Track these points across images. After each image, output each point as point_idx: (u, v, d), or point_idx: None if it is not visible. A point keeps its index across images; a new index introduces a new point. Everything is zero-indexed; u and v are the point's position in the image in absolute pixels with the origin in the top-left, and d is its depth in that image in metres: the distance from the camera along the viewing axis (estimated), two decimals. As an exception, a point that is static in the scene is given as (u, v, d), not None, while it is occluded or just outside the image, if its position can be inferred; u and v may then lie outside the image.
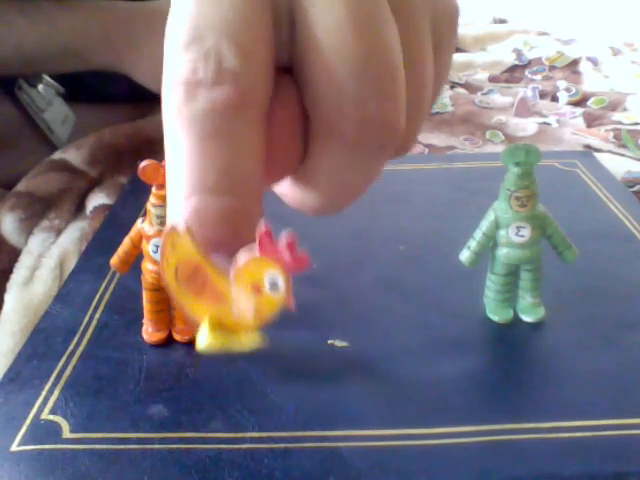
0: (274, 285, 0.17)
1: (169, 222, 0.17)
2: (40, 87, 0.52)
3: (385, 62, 0.17)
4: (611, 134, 0.57)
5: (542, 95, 0.68)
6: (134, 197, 0.44)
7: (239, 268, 0.17)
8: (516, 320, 0.31)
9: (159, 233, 0.28)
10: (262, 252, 0.17)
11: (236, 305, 0.18)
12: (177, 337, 0.31)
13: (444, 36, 0.20)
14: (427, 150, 0.55)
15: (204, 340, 0.18)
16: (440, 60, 0.20)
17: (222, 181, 0.16)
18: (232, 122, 0.16)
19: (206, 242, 0.17)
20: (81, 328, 0.32)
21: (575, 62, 0.77)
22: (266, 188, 0.19)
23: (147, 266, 0.29)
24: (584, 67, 0.76)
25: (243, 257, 0.17)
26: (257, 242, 0.16)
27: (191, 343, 0.30)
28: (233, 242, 0.17)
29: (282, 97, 0.17)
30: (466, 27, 0.90)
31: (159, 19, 0.57)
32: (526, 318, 0.31)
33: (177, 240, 0.17)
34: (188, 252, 0.17)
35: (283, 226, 0.17)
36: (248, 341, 0.18)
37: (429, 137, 0.57)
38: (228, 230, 0.17)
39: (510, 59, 0.80)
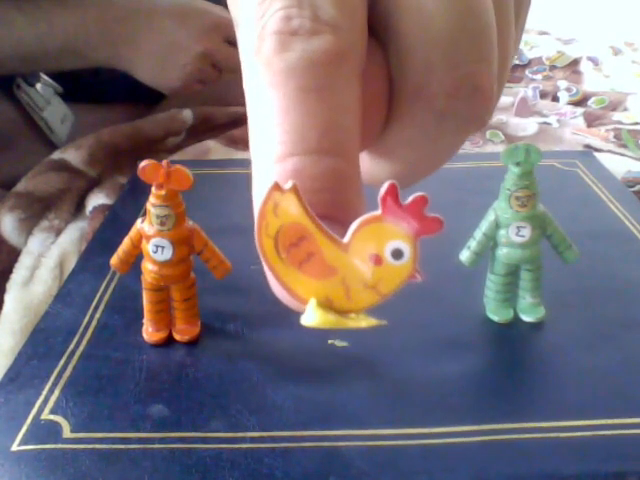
0: (398, 254, 0.15)
1: (259, 188, 0.15)
2: (38, 86, 0.52)
3: (481, 22, 0.16)
4: (611, 134, 0.57)
5: (542, 95, 0.68)
6: (134, 197, 0.44)
7: (358, 233, 0.14)
8: (516, 320, 0.31)
9: (159, 233, 0.28)
10: (386, 213, 0.14)
11: (351, 276, 0.15)
12: (177, 337, 0.31)
13: (523, 2, 0.19)
14: (427, 150, 0.55)
15: (311, 317, 0.15)
16: (519, 26, 0.19)
17: (324, 140, 0.15)
18: (332, 76, 0.15)
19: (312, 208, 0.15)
20: (81, 328, 0.32)
21: (576, 62, 0.77)
22: None
23: (147, 266, 0.29)
24: (585, 67, 0.76)
25: (362, 220, 0.14)
26: (380, 201, 0.14)
27: (191, 343, 0.30)
28: (338, 209, 0.15)
29: (371, 60, 0.16)
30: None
31: (158, 16, 0.58)
32: (526, 318, 0.31)
33: (281, 202, 0.14)
34: (293, 216, 0.14)
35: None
36: (361, 319, 0.15)
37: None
38: (333, 194, 0.15)
39: (510, 59, 0.79)
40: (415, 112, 0.16)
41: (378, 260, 0.15)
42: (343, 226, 0.15)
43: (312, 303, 0.15)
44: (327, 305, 0.15)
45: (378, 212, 0.14)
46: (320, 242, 0.15)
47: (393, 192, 0.14)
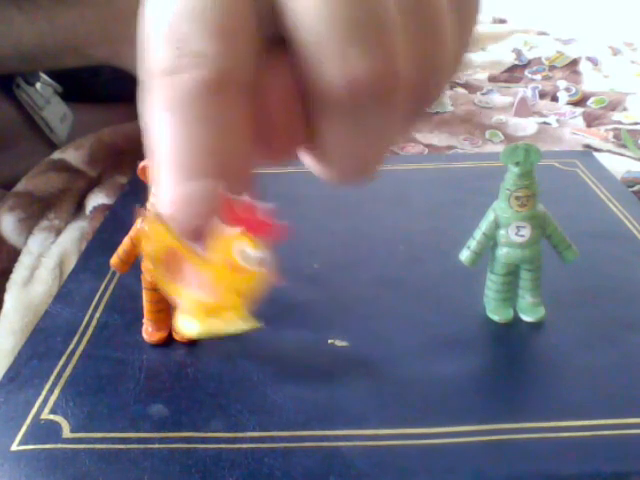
0: (247, 257, 0.16)
1: (154, 211, 0.16)
2: (38, 85, 0.52)
3: (361, 9, 0.16)
4: (611, 134, 0.57)
5: (542, 95, 0.68)
6: (134, 197, 0.44)
7: (213, 247, 0.16)
8: (516, 320, 0.31)
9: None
10: (237, 225, 0.16)
11: (221, 285, 0.16)
12: (177, 337, 0.31)
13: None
14: (427, 150, 0.55)
15: (188, 328, 0.17)
16: (463, 18, 0.19)
17: (206, 165, 0.16)
18: (212, 103, 0.16)
19: (192, 228, 0.16)
20: (81, 328, 0.32)
21: (575, 62, 0.77)
22: (277, 163, 0.19)
23: (147, 266, 0.29)
24: (584, 67, 0.76)
25: (212, 234, 0.16)
26: (230, 216, 0.16)
27: (191, 343, 0.30)
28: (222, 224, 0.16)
29: (274, 69, 0.17)
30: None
31: None
32: (526, 318, 0.31)
33: (153, 228, 0.16)
34: (167, 241, 0.16)
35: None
36: (239, 324, 0.17)
37: (429, 137, 0.57)
38: (212, 212, 0.16)
39: (510, 59, 0.80)
40: (329, 116, 0.17)
41: (238, 268, 0.16)
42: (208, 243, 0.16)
43: (188, 315, 0.17)
44: (207, 317, 0.17)
45: (223, 225, 0.16)
46: (189, 259, 0.16)
47: (228, 205, 0.15)
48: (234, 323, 0.17)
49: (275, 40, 0.17)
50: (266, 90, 0.17)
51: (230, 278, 0.16)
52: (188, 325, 0.17)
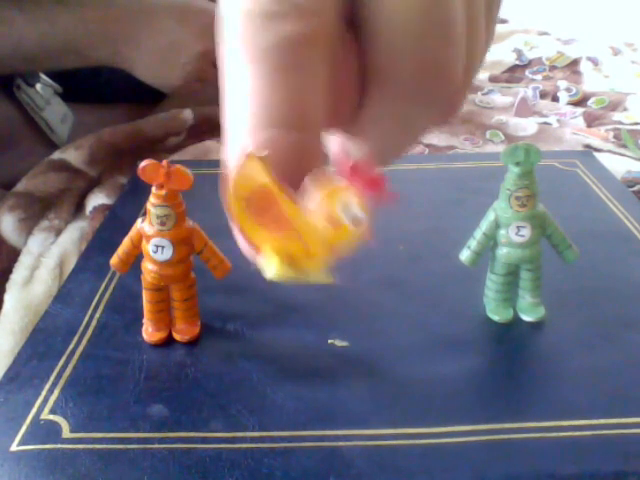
0: (355, 218, 0.16)
1: (235, 154, 0.16)
2: (38, 86, 0.52)
3: (447, 9, 0.17)
4: (611, 134, 0.57)
5: (542, 95, 0.68)
6: (134, 197, 0.44)
7: (316, 197, 0.16)
8: (516, 320, 0.31)
9: (159, 233, 0.28)
10: (351, 181, 0.16)
11: (310, 235, 0.16)
12: (177, 337, 0.31)
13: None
14: (427, 150, 0.55)
15: (274, 269, 0.16)
16: (490, 18, 0.20)
17: (294, 116, 0.16)
18: (304, 56, 0.16)
19: (288, 173, 0.16)
20: (81, 328, 0.32)
21: (575, 62, 0.77)
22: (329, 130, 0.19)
23: (147, 266, 0.29)
24: (584, 67, 0.76)
25: (321, 186, 0.16)
26: (348, 171, 0.16)
27: (191, 343, 0.30)
28: (299, 180, 0.16)
29: (346, 44, 0.17)
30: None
31: (158, 15, 0.58)
32: (526, 318, 0.31)
33: (251, 169, 0.16)
34: (262, 181, 0.16)
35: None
36: (317, 275, 0.17)
37: (429, 137, 0.57)
38: (298, 165, 0.16)
39: (510, 59, 0.79)
40: (386, 93, 0.17)
41: (336, 222, 0.16)
42: (304, 192, 0.16)
43: (275, 259, 0.17)
44: (288, 262, 0.17)
45: (339, 181, 0.16)
46: (284, 205, 0.16)
47: (360, 164, 0.16)
48: (313, 274, 0.17)
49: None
50: (336, 61, 0.17)
51: (324, 230, 0.16)
52: (271, 267, 0.17)
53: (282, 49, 0.16)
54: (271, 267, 0.17)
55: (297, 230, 0.16)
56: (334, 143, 0.19)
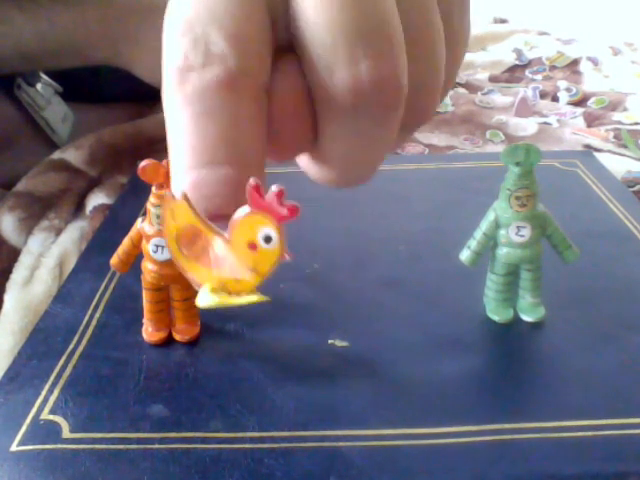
0: (268, 239, 0.18)
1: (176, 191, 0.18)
2: (39, 86, 0.52)
3: (373, 19, 0.17)
4: (611, 134, 0.57)
5: (542, 95, 0.68)
6: (134, 197, 0.44)
7: (234, 226, 0.17)
8: (516, 320, 0.31)
9: (159, 233, 0.28)
10: (252, 206, 0.17)
11: (236, 265, 0.18)
12: (177, 337, 0.31)
13: (454, 2, 0.20)
14: (427, 150, 0.55)
15: (205, 299, 0.19)
16: (451, 26, 0.20)
17: (218, 153, 0.17)
18: (224, 99, 0.17)
19: (207, 212, 0.18)
20: (81, 328, 0.32)
21: (575, 62, 0.77)
22: (281, 162, 0.20)
23: (147, 266, 0.29)
24: (584, 67, 0.76)
25: (237, 217, 0.17)
26: (247, 199, 0.17)
27: (191, 343, 0.30)
28: (230, 210, 0.18)
29: (285, 73, 0.18)
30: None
31: (158, 13, 0.57)
32: (526, 318, 0.31)
33: (176, 208, 0.18)
34: (187, 219, 0.18)
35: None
36: (249, 297, 0.19)
37: (429, 137, 0.57)
38: (223, 198, 0.17)
39: (510, 59, 0.79)
40: (331, 117, 0.18)
41: (254, 246, 0.18)
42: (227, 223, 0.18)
43: (205, 288, 0.19)
44: (222, 289, 0.19)
45: (247, 208, 0.17)
46: (210, 238, 0.18)
47: (257, 189, 0.17)
48: (247, 296, 0.19)
49: (287, 46, 0.18)
50: (276, 92, 0.18)
51: (249, 256, 0.18)
52: (203, 297, 0.19)
53: (200, 96, 0.17)
54: (201, 296, 0.19)
55: (224, 259, 0.18)
56: (313, 173, 0.21)
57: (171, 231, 0.18)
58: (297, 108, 0.18)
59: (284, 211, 0.17)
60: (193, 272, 0.19)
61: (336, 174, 0.20)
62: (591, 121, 0.61)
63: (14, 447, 0.25)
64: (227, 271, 0.18)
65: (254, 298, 0.18)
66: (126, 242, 0.30)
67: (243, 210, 0.17)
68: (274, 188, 0.17)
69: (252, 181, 0.17)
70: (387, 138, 0.19)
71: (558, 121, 0.60)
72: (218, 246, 0.18)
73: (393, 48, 0.17)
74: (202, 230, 0.18)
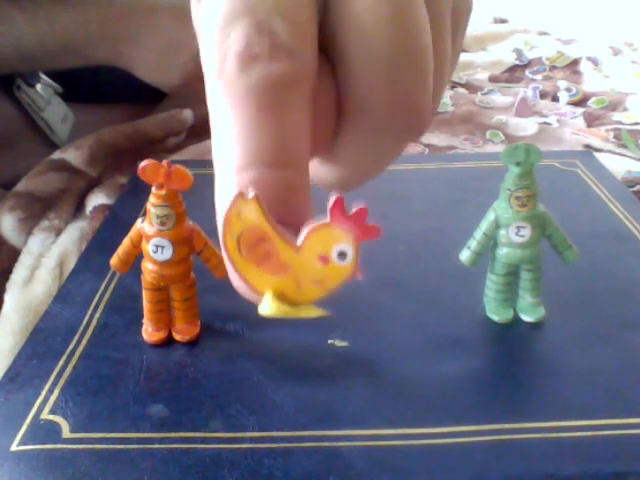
0: (342, 255, 0.17)
1: (221, 194, 0.17)
2: (38, 86, 0.52)
3: (418, 44, 0.17)
4: (611, 134, 0.57)
5: (542, 95, 0.68)
6: (134, 197, 0.44)
7: (308, 237, 0.17)
8: (516, 320, 0.31)
9: (159, 233, 0.28)
10: (333, 221, 0.16)
11: (301, 275, 0.17)
12: (177, 337, 0.31)
13: (461, 20, 0.20)
14: (427, 150, 0.55)
15: (268, 307, 0.17)
16: (456, 44, 0.20)
17: (279, 154, 0.16)
18: (287, 97, 0.16)
19: (283, 212, 0.17)
20: (81, 328, 0.32)
21: (575, 62, 0.77)
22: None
23: (147, 266, 0.29)
24: (584, 67, 0.76)
25: (312, 226, 0.17)
26: (329, 211, 0.16)
27: (191, 343, 0.30)
28: (288, 215, 0.17)
29: (321, 74, 0.18)
30: (466, 27, 0.89)
31: (158, 13, 0.58)
32: (526, 318, 0.31)
33: (244, 207, 0.16)
34: (254, 220, 0.16)
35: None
36: (309, 310, 0.18)
37: (429, 137, 0.57)
38: (284, 203, 0.17)
39: (510, 59, 0.79)
40: (358, 125, 0.18)
41: (325, 260, 0.17)
42: (294, 230, 0.17)
43: (268, 295, 0.17)
44: (281, 298, 0.17)
45: (327, 220, 0.17)
46: (277, 244, 0.17)
47: (340, 204, 0.16)
48: (306, 310, 0.18)
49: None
50: (315, 94, 0.17)
51: (314, 269, 0.17)
52: (266, 304, 0.17)
53: (264, 90, 0.16)
54: (265, 304, 0.17)
55: (289, 268, 0.17)
56: (322, 174, 0.20)
57: (234, 230, 0.17)
58: (328, 112, 0.18)
59: (364, 232, 0.17)
60: (249, 276, 0.18)
61: (340, 177, 0.20)
62: (591, 121, 0.61)
63: (14, 447, 0.25)
64: (290, 280, 0.17)
65: (316, 312, 0.18)
66: (126, 242, 0.30)
67: (321, 221, 0.17)
68: (359, 205, 0.17)
69: (337, 194, 0.16)
70: (399, 153, 0.20)
71: (558, 121, 0.60)
72: (285, 253, 0.17)
73: (429, 69, 0.18)
74: (269, 234, 0.17)
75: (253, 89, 0.16)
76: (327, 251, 0.17)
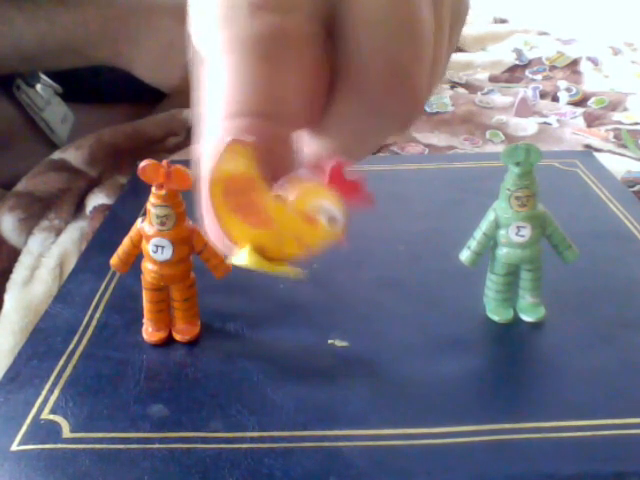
0: (332, 218, 0.16)
1: (208, 138, 0.16)
2: (38, 87, 0.52)
3: (420, 26, 0.17)
4: (611, 134, 0.57)
5: (542, 95, 0.68)
6: (134, 197, 0.44)
7: (299, 193, 0.16)
8: (516, 320, 0.31)
9: (159, 233, 0.28)
10: (330, 182, 0.16)
11: (285, 228, 0.17)
12: (177, 337, 0.31)
13: (460, 16, 0.21)
14: (427, 150, 0.55)
15: (244, 258, 0.17)
16: (452, 38, 0.20)
17: (271, 105, 0.16)
18: (285, 49, 0.16)
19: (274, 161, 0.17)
20: (81, 328, 0.32)
21: (575, 62, 0.77)
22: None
23: (147, 266, 0.29)
24: (584, 67, 0.76)
25: (306, 184, 0.16)
26: (328, 172, 0.16)
27: (191, 343, 0.30)
28: (270, 166, 0.16)
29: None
30: (466, 27, 0.90)
31: (158, 14, 0.58)
32: (526, 318, 0.31)
33: (236, 153, 0.16)
34: (243, 168, 0.16)
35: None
36: (286, 269, 0.17)
37: (429, 137, 0.57)
38: (271, 155, 0.16)
39: (510, 59, 0.79)
40: (352, 99, 0.18)
41: (312, 220, 0.16)
42: (275, 182, 0.17)
43: (247, 247, 0.17)
44: (259, 252, 0.17)
45: (323, 180, 0.16)
46: (264, 195, 0.16)
47: (340, 167, 0.16)
48: (282, 267, 0.17)
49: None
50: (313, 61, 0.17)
51: (300, 227, 0.16)
52: (242, 255, 0.17)
53: (264, 40, 0.16)
54: (241, 255, 0.17)
55: (272, 221, 0.17)
56: (311, 145, 0.20)
57: (220, 175, 0.16)
58: (323, 85, 0.18)
59: (360, 199, 0.16)
60: (229, 225, 0.17)
61: (338, 146, 0.19)
62: (591, 121, 0.61)
63: (14, 447, 0.25)
64: (273, 234, 0.17)
65: (290, 270, 0.17)
66: (126, 242, 0.30)
67: (316, 180, 0.16)
68: (357, 175, 0.16)
69: (339, 158, 0.16)
70: (387, 136, 0.19)
71: (558, 121, 0.60)
72: (271, 205, 0.16)
73: (428, 55, 0.18)
74: (258, 183, 0.16)
75: (257, 36, 0.16)
76: (316, 211, 0.16)
